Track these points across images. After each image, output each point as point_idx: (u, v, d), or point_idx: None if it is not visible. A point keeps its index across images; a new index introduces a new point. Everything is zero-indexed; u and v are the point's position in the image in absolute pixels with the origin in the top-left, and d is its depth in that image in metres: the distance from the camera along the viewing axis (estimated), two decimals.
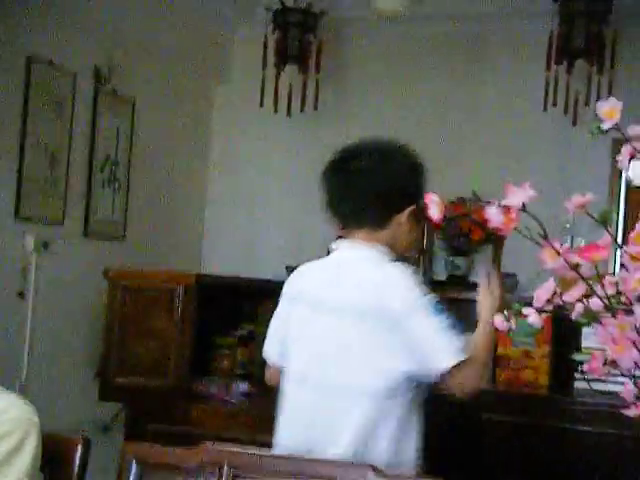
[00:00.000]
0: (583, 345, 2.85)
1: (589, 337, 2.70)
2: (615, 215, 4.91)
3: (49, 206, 4.92)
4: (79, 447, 1.70)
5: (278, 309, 2.08)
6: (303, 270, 2.07)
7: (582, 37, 4.73)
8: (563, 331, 2.85)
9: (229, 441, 2.02)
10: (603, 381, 2.40)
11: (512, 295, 3.40)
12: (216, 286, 2.49)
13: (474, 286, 3.19)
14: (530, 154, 5.59)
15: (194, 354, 2.26)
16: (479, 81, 5.82)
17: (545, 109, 4.92)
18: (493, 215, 1.04)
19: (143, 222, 5.73)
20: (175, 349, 2.18)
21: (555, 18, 4.88)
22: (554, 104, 4.90)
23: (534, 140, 5.61)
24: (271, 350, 2.07)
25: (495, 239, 4.57)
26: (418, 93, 5.95)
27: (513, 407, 2.86)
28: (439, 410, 2.66)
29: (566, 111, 4.85)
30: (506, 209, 1.02)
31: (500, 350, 3.08)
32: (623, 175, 4.94)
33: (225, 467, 1.63)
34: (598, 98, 4.83)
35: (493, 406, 2.84)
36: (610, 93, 4.88)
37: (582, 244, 1.29)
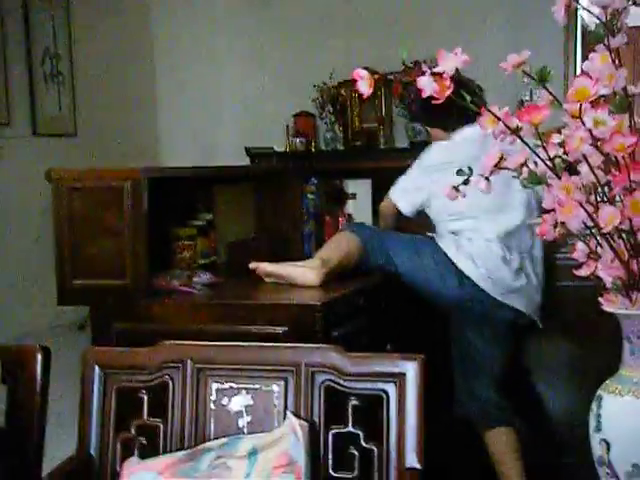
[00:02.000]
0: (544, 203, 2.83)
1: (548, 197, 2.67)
2: (572, 68, 4.81)
3: None
4: (38, 355, 1.66)
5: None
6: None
7: None
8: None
9: (194, 334, 2.02)
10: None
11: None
12: (167, 178, 2.42)
13: None
14: (483, 11, 5.42)
15: (153, 249, 2.21)
16: None
17: None
18: (425, 83, 0.98)
19: (93, 118, 5.55)
20: (130, 246, 2.13)
21: None
22: None
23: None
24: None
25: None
26: None
27: None
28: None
29: None
30: (439, 76, 0.96)
31: None
32: (578, 23, 4.82)
33: (188, 362, 1.61)
34: None
35: None
36: None
37: None
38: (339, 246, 2.46)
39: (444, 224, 2.58)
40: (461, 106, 1.01)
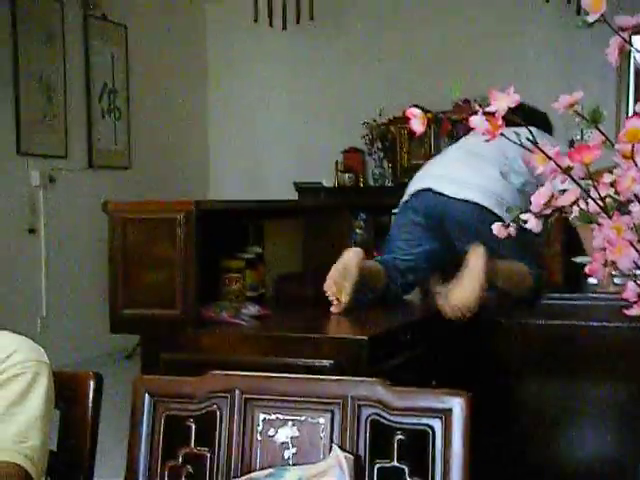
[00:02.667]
0: (594, 243, 2.81)
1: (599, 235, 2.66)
2: (624, 107, 4.79)
3: (51, 139, 4.89)
4: (91, 382, 1.70)
5: None
6: None
7: None
8: (574, 230, 2.81)
9: (241, 365, 2.05)
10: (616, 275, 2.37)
11: None
12: (218, 211, 2.46)
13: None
14: (533, 50, 5.43)
15: (202, 281, 2.25)
16: None
17: (547, 0, 4.76)
18: (477, 122, 1.00)
19: (147, 151, 5.69)
20: (180, 277, 2.17)
21: None
22: None
23: (536, 35, 5.45)
24: None
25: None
26: None
27: (528, 308, 2.85)
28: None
29: (569, 0, 4.68)
30: (490, 115, 0.98)
31: None
32: (631, 65, 4.80)
33: (236, 392, 1.63)
34: None
35: (508, 309, 2.84)
36: None
37: None
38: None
39: None
40: None
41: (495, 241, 2.54)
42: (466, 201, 2.56)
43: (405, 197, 2.73)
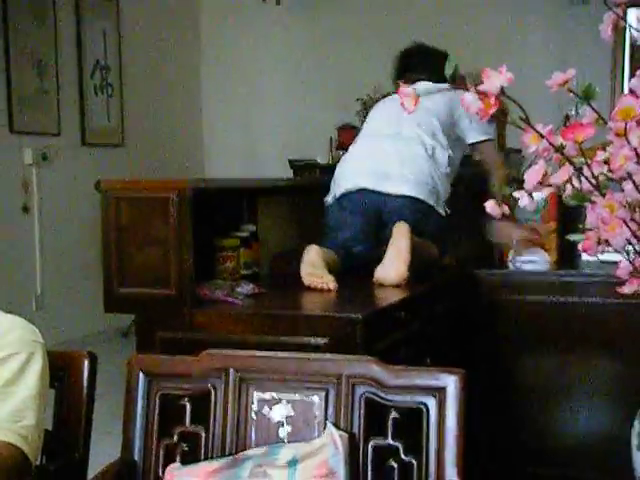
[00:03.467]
0: (587, 220, 2.82)
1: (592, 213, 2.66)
2: (620, 84, 4.76)
3: (44, 117, 4.86)
4: (85, 361, 1.71)
5: None
6: None
7: None
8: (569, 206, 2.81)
9: (236, 343, 2.05)
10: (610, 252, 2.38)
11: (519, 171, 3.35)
12: (212, 190, 2.46)
13: (478, 164, 3.16)
14: (527, 26, 5.41)
15: (197, 259, 2.24)
16: None
17: None
18: (471, 101, 0.99)
19: (141, 128, 5.66)
20: (175, 256, 2.17)
21: None
22: None
23: (530, 10, 5.42)
24: None
25: (498, 115, 4.49)
26: None
27: (522, 285, 2.86)
28: (448, 296, 2.68)
29: None
30: (483, 94, 0.97)
31: None
32: (626, 40, 4.78)
33: (231, 371, 1.64)
34: None
35: (502, 286, 2.84)
36: None
37: None
38: None
39: None
40: None
41: (424, 225, 2.66)
42: (403, 196, 2.68)
43: (338, 193, 2.77)
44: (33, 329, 1.62)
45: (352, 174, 2.78)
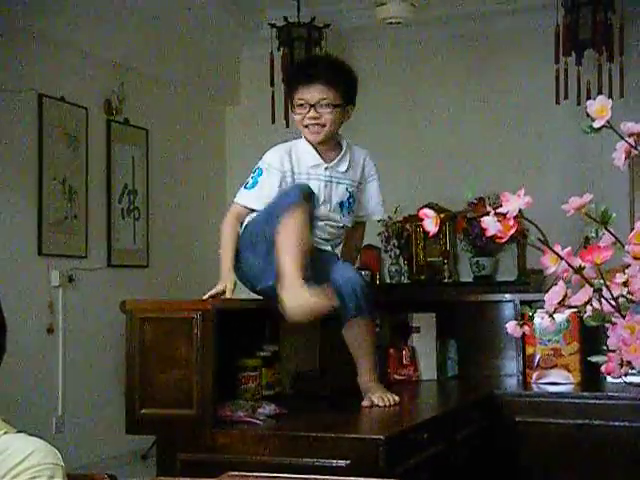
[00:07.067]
0: (609, 341, 2.80)
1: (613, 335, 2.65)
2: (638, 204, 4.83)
3: (71, 240, 4.97)
4: None
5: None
6: None
7: (588, 27, 4.67)
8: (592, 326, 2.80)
9: (258, 465, 2.02)
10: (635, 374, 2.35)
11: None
12: (235, 310, 2.48)
13: (500, 285, 3.19)
14: (546, 149, 5.54)
15: (219, 379, 2.25)
16: (489, 80, 5.79)
17: (557, 102, 4.88)
18: (490, 223, 1.02)
19: (165, 249, 5.76)
20: (198, 376, 2.17)
21: (560, 10, 4.84)
22: (566, 97, 4.85)
23: (549, 135, 5.57)
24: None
25: (518, 237, 4.54)
26: (429, 97, 5.93)
27: (547, 408, 2.82)
28: (471, 418, 2.64)
29: (579, 103, 4.79)
30: (502, 217, 1.01)
31: (528, 350, 3.05)
32: None
33: None
34: (611, 86, 4.78)
35: (526, 408, 2.81)
36: (622, 80, 4.83)
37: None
38: None
39: None
40: None
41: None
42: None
43: None
44: (54, 452, 1.62)
45: None
